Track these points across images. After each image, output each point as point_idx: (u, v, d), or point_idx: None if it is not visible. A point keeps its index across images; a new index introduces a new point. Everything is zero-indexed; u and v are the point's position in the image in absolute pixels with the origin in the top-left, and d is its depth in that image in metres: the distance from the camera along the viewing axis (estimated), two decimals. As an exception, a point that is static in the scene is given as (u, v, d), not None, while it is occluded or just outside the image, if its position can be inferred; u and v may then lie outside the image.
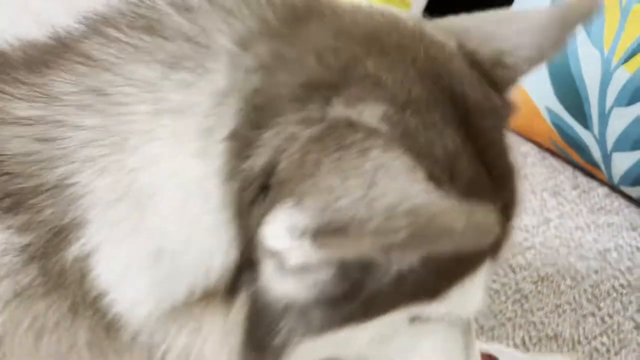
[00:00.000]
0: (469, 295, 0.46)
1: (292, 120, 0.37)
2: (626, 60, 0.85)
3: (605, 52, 0.86)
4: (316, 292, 0.39)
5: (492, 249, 0.45)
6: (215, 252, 0.38)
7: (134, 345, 0.42)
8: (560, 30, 0.50)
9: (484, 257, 0.44)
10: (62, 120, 0.40)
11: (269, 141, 0.37)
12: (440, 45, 0.45)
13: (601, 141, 0.90)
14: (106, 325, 0.41)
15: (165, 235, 0.39)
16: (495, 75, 0.48)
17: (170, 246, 0.39)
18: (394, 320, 0.44)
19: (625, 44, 0.85)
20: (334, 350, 0.48)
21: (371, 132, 0.36)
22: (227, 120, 0.38)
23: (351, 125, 0.36)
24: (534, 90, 0.97)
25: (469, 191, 0.39)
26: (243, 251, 0.38)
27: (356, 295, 0.40)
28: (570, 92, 0.92)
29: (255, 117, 0.38)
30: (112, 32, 0.42)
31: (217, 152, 0.38)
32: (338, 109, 0.37)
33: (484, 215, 0.33)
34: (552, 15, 0.50)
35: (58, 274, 0.40)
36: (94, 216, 0.39)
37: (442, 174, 0.39)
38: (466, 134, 0.42)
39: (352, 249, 0.34)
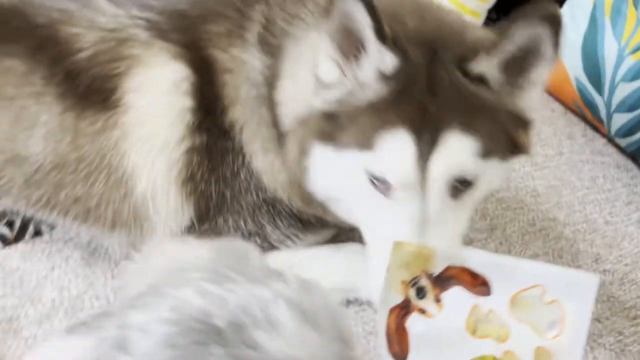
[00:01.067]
0: (392, 155, 0.73)
1: None
2: (634, 51, 1.25)
3: (622, 43, 1.27)
4: (327, 107, 0.77)
5: (412, 122, 0.72)
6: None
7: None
8: None
9: (397, 126, 0.72)
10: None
11: None
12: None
13: (608, 104, 1.32)
14: (272, 118, 0.86)
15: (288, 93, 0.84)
16: None
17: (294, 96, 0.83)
18: (356, 175, 0.77)
19: (636, 40, 1.25)
20: (338, 183, 0.81)
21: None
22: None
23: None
24: (569, 64, 1.38)
25: None
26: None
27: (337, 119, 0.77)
28: (594, 68, 1.32)
29: None
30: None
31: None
32: None
33: None
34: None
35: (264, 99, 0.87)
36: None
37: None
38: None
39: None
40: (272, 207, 0.92)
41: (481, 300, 0.76)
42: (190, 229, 0.93)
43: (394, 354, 0.74)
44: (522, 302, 0.76)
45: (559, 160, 1.35)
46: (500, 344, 0.76)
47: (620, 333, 1.03)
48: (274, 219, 0.93)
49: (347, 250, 0.97)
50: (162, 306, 0.45)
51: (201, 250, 0.54)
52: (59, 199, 0.91)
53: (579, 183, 1.30)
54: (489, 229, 1.16)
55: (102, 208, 0.92)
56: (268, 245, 0.95)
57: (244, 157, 0.88)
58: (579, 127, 1.44)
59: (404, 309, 0.76)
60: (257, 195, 0.90)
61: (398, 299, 0.75)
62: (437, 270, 0.76)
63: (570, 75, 1.38)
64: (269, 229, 0.93)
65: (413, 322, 0.75)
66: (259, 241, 0.93)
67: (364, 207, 0.80)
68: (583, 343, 0.74)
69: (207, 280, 0.47)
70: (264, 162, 0.89)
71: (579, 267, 1.13)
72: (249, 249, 0.55)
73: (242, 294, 0.46)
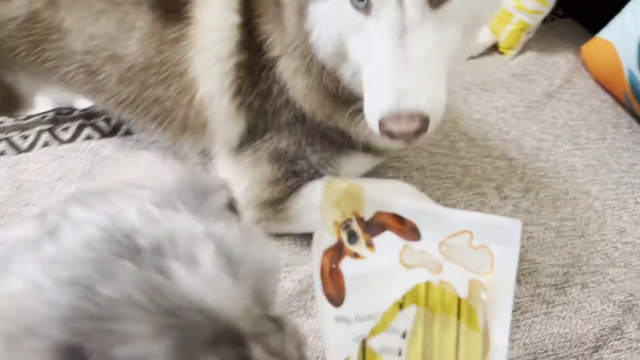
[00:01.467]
0: None
1: None
2: (687, 47, 1.33)
3: (677, 39, 1.35)
4: None
5: None
6: None
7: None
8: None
9: None
10: None
11: None
12: None
13: (655, 96, 1.40)
14: (284, 20, 0.92)
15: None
16: None
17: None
18: (344, 8, 0.79)
19: (690, 38, 1.33)
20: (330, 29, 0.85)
21: None
22: None
23: None
24: (625, 56, 1.46)
25: None
26: None
27: None
28: (647, 61, 1.40)
29: None
30: None
31: None
32: None
33: None
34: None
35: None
36: None
37: None
38: None
39: None
40: (304, 124, 0.99)
41: (412, 242, 0.78)
42: (245, 142, 1.05)
43: (328, 295, 0.76)
44: (452, 247, 0.78)
45: (601, 144, 1.43)
46: (435, 274, 0.77)
47: (631, 294, 1.12)
48: (309, 140, 1.00)
49: (388, 183, 1.08)
50: (101, 210, 0.46)
51: (168, 174, 0.55)
52: (143, 97, 1.05)
53: (616, 166, 1.38)
54: (524, 190, 1.26)
55: (175, 111, 1.05)
56: (314, 172, 1.03)
57: (274, 70, 0.97)
58: (626, 119, 1.52)
59: (337, 252, 0.78)
60: (289, 111, 0.99)
61: (331, 239, 0.77)
62: (367, 214, 0.78)
63: (624, 66, 1.46)
64: (309, 150, 1.01)
65: (347, 265, 0.77)
66: (305, 166, 1.01)
67: (357, 45, 0.83)
68: (513, 282, 0.77)
69: (152, 202, 0.48)
70: (284, 68, 0.97)
71: (603, 235, 1.22)
72: (217, 188, 0.55)
73: (175, 223, 0.46)
